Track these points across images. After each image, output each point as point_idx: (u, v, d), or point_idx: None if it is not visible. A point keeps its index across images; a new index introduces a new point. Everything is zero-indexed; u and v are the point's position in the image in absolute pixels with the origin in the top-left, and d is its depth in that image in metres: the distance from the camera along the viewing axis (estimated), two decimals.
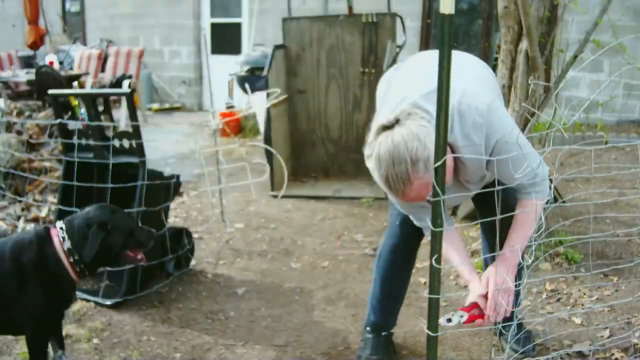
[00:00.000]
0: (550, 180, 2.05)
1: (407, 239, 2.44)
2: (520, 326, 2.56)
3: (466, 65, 2.18)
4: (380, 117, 1.93)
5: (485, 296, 1.99)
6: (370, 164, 1.86)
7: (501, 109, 2.03)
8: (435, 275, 1.73)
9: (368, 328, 2.59)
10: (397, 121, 1.81)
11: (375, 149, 1.82)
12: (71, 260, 2.17)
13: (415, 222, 2.26)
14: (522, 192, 2.07)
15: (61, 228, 2.18)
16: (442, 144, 1.62)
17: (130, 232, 2.27)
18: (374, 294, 2.57)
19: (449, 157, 1.78)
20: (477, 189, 2.17)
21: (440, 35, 1.55)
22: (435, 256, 1.69)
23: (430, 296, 1.73)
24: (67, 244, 2.14)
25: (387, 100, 2.14)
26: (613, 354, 2.47)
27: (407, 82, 2.16)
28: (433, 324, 1.76)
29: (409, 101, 1.95)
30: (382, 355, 2.52)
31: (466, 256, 2.18)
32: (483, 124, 1.91)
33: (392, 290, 2.55)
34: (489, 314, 1.95)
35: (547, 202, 2.11)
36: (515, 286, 2.13)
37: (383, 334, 2.57)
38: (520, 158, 1.93)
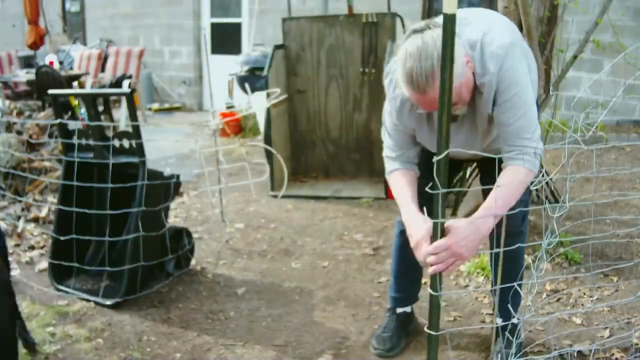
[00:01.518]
0: (547, 184, 2.06)
1: None
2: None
3: (494, 14, 2.26)
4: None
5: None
6: (397, 62, 1.90)
7: (521, 54, 2.05)
8: (435, 274, 1.73)
9: (388, 305, 2.78)
10: (427, 26, 1.88)
11: (404, 47, 1.87)
12: None
13: (387, 151, 2.33)
14: (513, 158, 2.02)
15: None
16: (444, 142, 1.62)
17: None
18: (391, 268, 2.76)
19: (469, 67, 1.93)
20: (482, 141, 2.20)
21: (443, 35, 1.55)
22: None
23: (432, 293, 1.73)
24: None
25: None
26: (613, 354, 2.48)
27: None
28: (434, 324, 1.76)
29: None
30: (392, 333, 2.65)
31: (414, 200, 2.16)
32: (501, 55, 1.97)
33: (402, 270, 2.68)
34: (422, 256, 1.86)
35: (547, 199, 2.11)
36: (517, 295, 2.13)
37: (399, 311, 2.72)
38: (527, 113, 2.01)
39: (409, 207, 2.15)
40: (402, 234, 2.52)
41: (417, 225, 2.05)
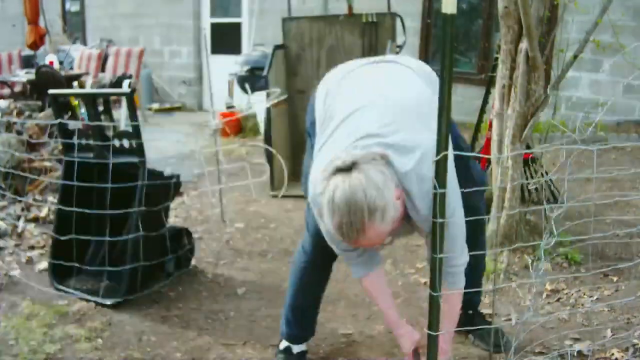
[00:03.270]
0: (552, 181, 2.04)
1: (323, 256, 2.40)
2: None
3: (408, 98, 1.99)
4: (333, 154, 1.81)
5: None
6: (323, 206, 1.72)
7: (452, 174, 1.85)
8: (436, 272, 1.73)
9: (282, 344, 2.55)
10: (353, 164, 1.69)
11: (329, 193, 1.69)
12: None
13: (343, 255, 2.17)
14: (448, 282, 1.96)
15: None
16: (444, 139, 1.62)
17: None
18: (288, 301, 2.52)
19: (401, 202, 1.76)
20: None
21: (442, 35, 1.55)
22: (438, 254, 1.69)
23: (432, 293, 1.73)
24: None
25: (338, 129, 1.99)
26: (613, 354, 2.47)
27: (359, 114, 1.97)
28: (433, 324, 1.76)
29: (368, 142, 1.82)
30: None
31: (392, 300, 2.27)
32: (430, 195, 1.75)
33: (304, 303, 2.53)
34: None
35: (548, 201, 2.11)
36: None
37: (296, 350, 2.52)
38: (456, 238, 1.93)
39: (395, 315, 2.22)
40: (307, 259, 2.46)
41: (406, 337, 2.20)
